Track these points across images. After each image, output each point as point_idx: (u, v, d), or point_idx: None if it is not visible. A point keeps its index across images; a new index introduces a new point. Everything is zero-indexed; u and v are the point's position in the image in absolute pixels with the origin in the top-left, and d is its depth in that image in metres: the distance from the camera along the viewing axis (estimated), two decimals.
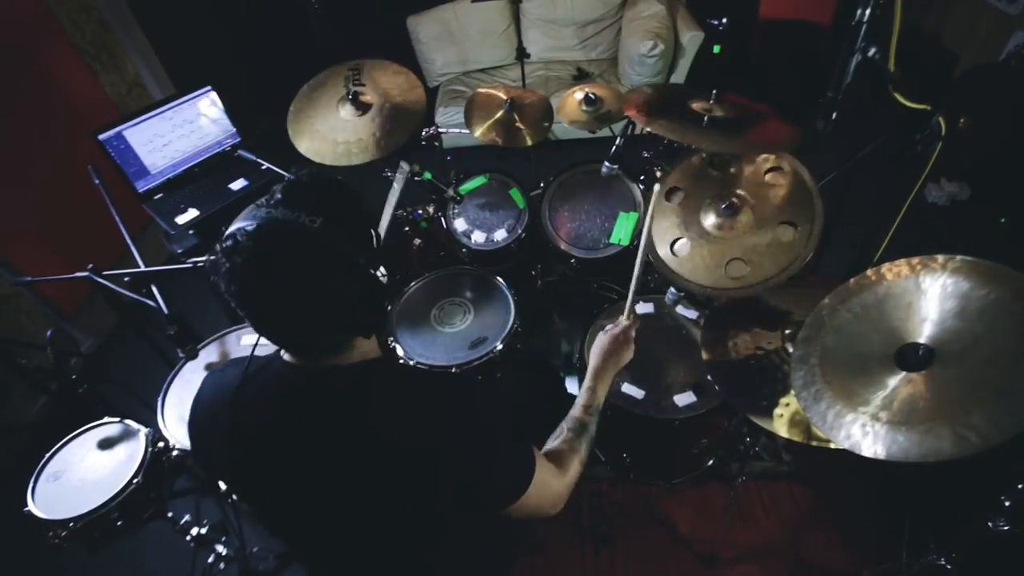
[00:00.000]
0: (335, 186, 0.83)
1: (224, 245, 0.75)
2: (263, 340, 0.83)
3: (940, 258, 1.03)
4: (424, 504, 0.87)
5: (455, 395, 0.91)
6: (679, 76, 3.43)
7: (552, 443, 1.11)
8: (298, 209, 0.75)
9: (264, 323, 0.80)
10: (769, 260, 1.48)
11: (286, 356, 0.88)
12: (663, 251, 1.59)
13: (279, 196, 0.78)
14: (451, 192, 1.98)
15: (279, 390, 0.87)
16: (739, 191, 1.56)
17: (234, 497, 1.68)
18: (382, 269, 0.81)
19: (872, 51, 1.41)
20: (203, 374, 1.66)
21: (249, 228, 0.74)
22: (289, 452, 0.87)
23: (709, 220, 1.57)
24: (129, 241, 1.60)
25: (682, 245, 1.57)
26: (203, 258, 1.55)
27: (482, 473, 0.88)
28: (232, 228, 0.77)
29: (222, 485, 1.62)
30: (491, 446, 0.89)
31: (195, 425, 0.96)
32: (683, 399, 1.57)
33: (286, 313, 0.77)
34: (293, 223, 0.74)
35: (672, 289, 1.70)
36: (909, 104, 1.41)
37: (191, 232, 2.15)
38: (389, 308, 0.90)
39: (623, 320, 1.34)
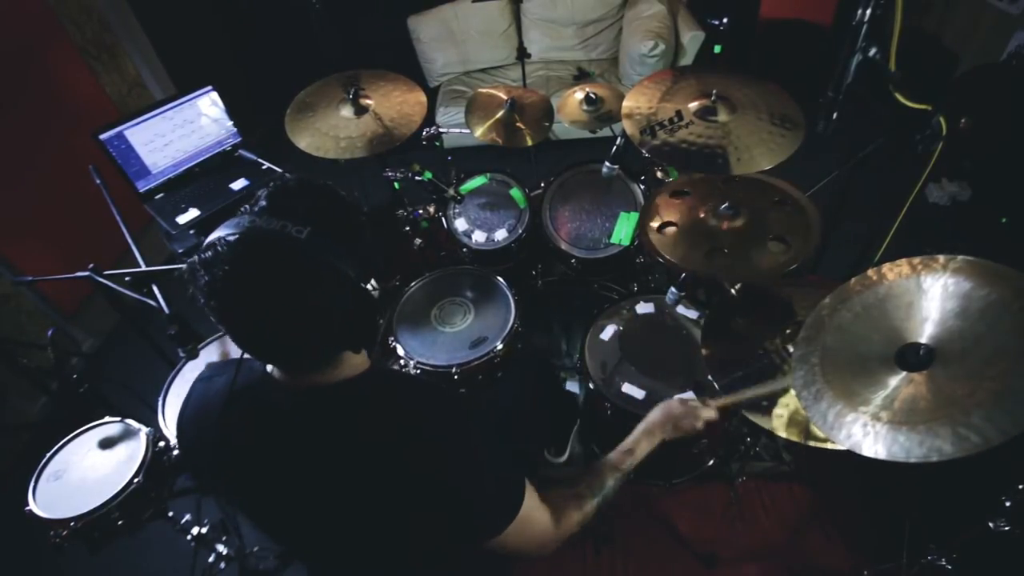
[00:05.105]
0: (325, 192, 0.77)
1: (203, 256, 0.70)
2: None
3: (941, 258, 1.03)
4: (408, 526, 0.84)
5: (443, 421, 0.85)
6: None
7: (563, 491, 1.00)
8: (284, 218, 0.70)
9: (245, 339, 0.76)
10: (797, 223, 1.49)
11: (271, 369, 0.86)
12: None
13: (263, 203, 0.72)
14: (452, 192, 1.98)
15: (265, 412, 0.84)
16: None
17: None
18: (373, 282, 0.77)
19: (872, 51, 1.41)
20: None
21: (231, 238, 0.69)
22: (275, 475, 0.85)
23: (713, 225, 1.58)
24: (130, 241, 1.60)
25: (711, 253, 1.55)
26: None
27: (466, 500, 0.83)
28: (212, 237, 0.71)
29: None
30: (479, 474, 0.85)
31: (183, 433, 0.94)
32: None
33: (269, 329, 0.73)
34: (278, 234, 0.69)
35: (672, 289, 1.70)
36: (910, 104, 1.40)
37: (192, 232, 2.16)
38: (381, 321, 0.84)
39: (710, 407, 1.18)
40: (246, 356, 0.84)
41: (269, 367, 0.86)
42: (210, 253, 0.69)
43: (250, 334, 0.75)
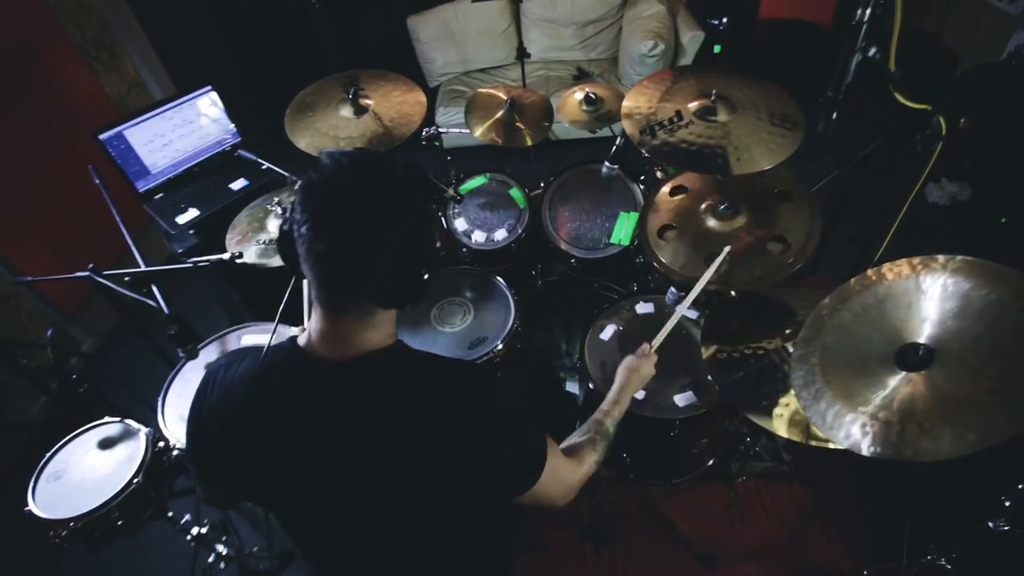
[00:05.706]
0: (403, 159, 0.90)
1: (326, 151, 0.82)
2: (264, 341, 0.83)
3: (941, 258, 1.03)
4: (437, 493, 0.89)
5: (472, 385, 0.92)
6: None
7: (572, 439, 1.14)
8: (383, 159, 0.83)
9: (325, 238, 0.78)
10: (795, 221, 1.49)
11: (302, 340, 0.89)
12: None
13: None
14: (451, 192, 1.98)
15: (294, 386, 0.88)
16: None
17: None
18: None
19: (872, 51, 1.41)
20: (203, 373, 1.66)
21: (348, 149, 0.82)
22: (308, 448, 0.88)
23: (713, 225, 1.57)
24: (130, 241, 1.60)
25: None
26: (204, 258, 1.55)
27: (497, 463, 0.90)
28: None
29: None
30: (507, 437, 0.92)
31: (198, 426, 0.94)
32: (683, 399, 1.57)
33: (350, 231, 0.78)
34: (382, 159, 0.82)
35: (672, 289, 1.70)
36: (909, 104, 1.41)
37: (191, 232, 2.16)
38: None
39: (650, 352, 1.36)
40: (272, 346, 0.90)
41: (300, 339, 0.89)
42: (333, 150, 0.82)
43: (334, 234, 0.79)
